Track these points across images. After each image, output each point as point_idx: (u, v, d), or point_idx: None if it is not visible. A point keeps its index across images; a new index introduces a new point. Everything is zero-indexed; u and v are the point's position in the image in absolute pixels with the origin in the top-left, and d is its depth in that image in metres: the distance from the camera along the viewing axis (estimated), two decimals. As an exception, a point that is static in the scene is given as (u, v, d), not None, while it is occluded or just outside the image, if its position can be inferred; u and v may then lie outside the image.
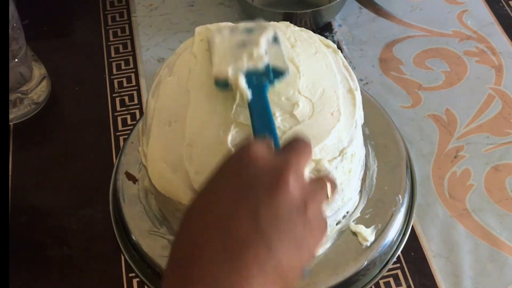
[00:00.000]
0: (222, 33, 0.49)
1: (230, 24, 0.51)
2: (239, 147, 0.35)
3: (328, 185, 0.36)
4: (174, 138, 0.48)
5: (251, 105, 0.43)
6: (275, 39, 0.49)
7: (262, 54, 0.46)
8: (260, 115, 0.42)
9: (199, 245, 0.31)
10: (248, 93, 0.43)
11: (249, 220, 0.31)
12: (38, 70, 0.71)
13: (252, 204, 0.31)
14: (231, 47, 0.47)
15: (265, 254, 0.30)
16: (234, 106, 0.46)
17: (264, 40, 0.47)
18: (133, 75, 0.75)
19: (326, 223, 0.35)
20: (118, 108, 0.71)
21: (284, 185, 0.32)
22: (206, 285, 0.30)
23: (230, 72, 0.44)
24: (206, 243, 0.31)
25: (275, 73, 0.46)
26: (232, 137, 0.46)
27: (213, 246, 0.31)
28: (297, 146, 0.36)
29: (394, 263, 0.57)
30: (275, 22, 0.54)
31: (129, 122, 0.70)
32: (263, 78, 0.45)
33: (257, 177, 0.32)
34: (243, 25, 0.50)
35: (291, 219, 0.32)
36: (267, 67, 0.45)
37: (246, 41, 0.47)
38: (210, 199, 0.33)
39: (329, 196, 0.36)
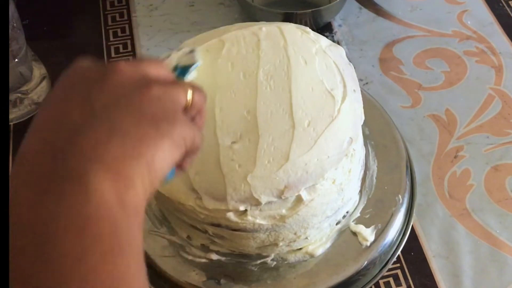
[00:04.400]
0: None
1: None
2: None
3: (190, 91, 0.33)
4: (174, 138, 0.48)
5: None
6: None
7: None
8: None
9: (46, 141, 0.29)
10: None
11: (82, 106, 0.29)
12: (38, 70, 0.71)
13: (84, 90, 0.30)
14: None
15: (106, 138, 0.28)
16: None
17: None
18: (133, 75, 0.75)
19: (175, 115, 0.31)
20: (118, 108, 0.71)
21: (117, 70, 0.30)
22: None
23: None
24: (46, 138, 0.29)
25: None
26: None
27: (44, 136, 0.29)
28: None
29: (394, 263, 0.57)
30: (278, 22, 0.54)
31: (129, 122, 0.69)
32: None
33: (84, 76, 0.32)
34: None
35: (130, 95, 0.30)
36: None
37: None
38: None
39: (188, 98, 0.32)
